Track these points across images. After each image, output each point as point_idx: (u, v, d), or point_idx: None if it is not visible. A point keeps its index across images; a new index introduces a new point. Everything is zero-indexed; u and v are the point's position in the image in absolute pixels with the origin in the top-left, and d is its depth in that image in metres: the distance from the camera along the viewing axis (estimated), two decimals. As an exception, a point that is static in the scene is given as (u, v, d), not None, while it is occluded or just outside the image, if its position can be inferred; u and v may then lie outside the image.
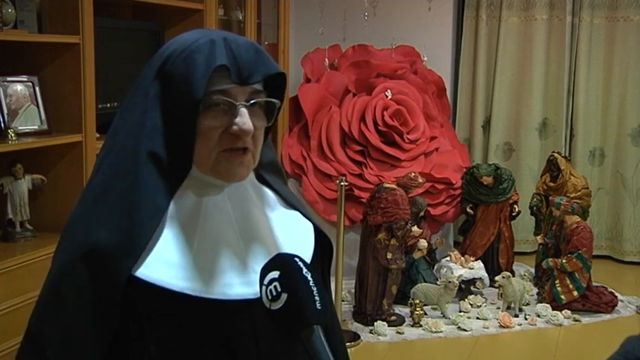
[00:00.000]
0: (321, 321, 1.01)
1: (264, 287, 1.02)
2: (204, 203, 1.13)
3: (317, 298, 1.00)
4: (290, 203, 1.25)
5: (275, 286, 1.01)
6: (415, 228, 4.37)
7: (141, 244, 1.06)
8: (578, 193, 4.81)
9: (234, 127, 1.08)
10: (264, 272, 1.04)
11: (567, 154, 5.40)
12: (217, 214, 1.14)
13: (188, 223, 1.11)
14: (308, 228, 1.25)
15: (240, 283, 1.10)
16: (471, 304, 4.44)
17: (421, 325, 4.16)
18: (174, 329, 1.08)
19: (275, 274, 1.02)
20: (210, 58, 1.07)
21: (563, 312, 4.33)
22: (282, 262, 1.04)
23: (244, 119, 1.08)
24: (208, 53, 1.08)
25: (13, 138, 2.88)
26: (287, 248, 1.18)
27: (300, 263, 1.03)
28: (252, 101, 1.11)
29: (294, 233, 1.22)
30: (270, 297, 1.01)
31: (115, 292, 1.04)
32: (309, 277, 1.01)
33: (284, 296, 1.00)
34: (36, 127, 3.05)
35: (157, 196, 1.08)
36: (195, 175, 1.12)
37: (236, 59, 1.09)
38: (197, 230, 1.11)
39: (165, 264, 1.07)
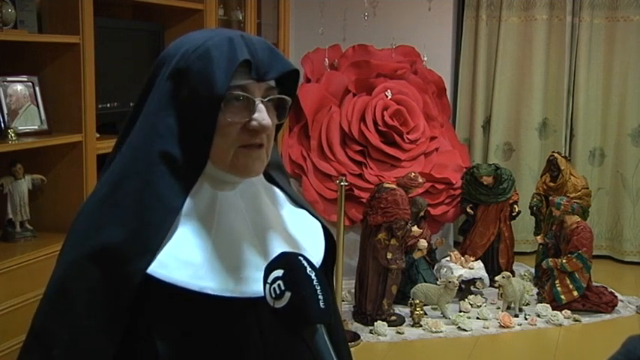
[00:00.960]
0: (324, 320, 1.01)
1: (267, 285, 1.02)
2: (218, 200, 1.13)
3: (320, 297, 1.00)
4: (297, 202, 1.26)
5: (279, 285, 1.01)
6: (415, 228, 4.37)
7: (154, 245, 1.06)
8: (578, 193, 4.81)
9: (254, 123, 1.09)
10: (268, 270, 1.03)
11: (567, 154, 5.40)
12: (231, 211, 1.14)
13: (203, 221, 1.11)
14: (317, 226, 1.25)
15: (256, 280, 1.10)
16: (471, 304, 4.44)
17: (421, 325, 4.16)
18: (185, 327, 1.07)
19: (279, 272, 1.02)
20: (231, 54, 1.07)
21: (563, 312, 4.33)
22: (286, 260, 1.03)
23: (263, 115, 1.09)
24: (228, 49, 1.08)
25: (13, 138, 2.88)
26: (301, 245, 1.18)
27: (304, 262, 1.03)
28: (268, 97, 1.11)
29: (304, 231, 1.22)
30: (273, 295, 1.01)
31: (128, 293, 1.04)
32: (312, 275, 1.01)
33: (287, 295, 1.00)
34: (36, 127, 3.05)
35: (170, 196, 1.08)
36: (210, 172, 1.12)
37: (254, 56, 1.09)
38: (213, 228, 1.11)
39: (182, 263, 1.07)
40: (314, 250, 1.20)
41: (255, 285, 1.10)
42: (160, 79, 1.12)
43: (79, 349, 1.04)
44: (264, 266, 1.06)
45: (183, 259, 1.07)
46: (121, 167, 1.11)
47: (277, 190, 1.24)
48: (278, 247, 1.14)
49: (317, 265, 1.05)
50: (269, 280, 1.02)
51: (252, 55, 1.09)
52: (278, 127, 1.18)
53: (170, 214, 1.07)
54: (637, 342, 1.24)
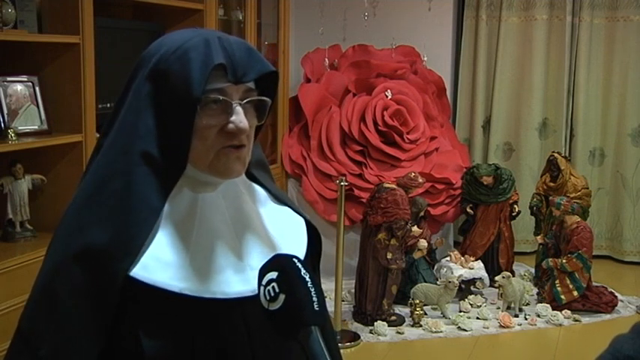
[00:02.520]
0: (318, 322, 1.01)
1: (262, 288, 1.02)
2: (199, 201, 1.13)
3: (315, 299, 1.00)
4: (279, 199, 1.27)
5: (273, 287, 1.01)
6: (415, 228, 4.37)
7: (136, 246, 1.06)
8: (578, 193, 4.81)
9: (231, 126, 1.09)
10: (263, 273, 1.04)
11: (567, 154, 5.40)
12: (212, 212, 1.14)
13: (184, 222, 1.11)
14: (300, 222, 1.26)
15: (237, 281, 1.11)
16: (471, 304, 4.44)
17: (421, 325, 4.16)
18: (169, 328, 1.08)
19: (273, 274, 1.02)
20: (207, 56, 1.07)
21: (563, 312, 4.33)
22: (281, 262, 1.04)
23: (240, 117, 1.09)
24: (204, 52, 1.08)
25: (13, 138, 2.88)
26: (281, 243, 1.19)
27: (298, 264, 1.03)
28: (247, 99, 1.11)
29: (286, 228, 1.23)
30: (268, 298, 1.01)
31: (111, 294, 1.04)
32: (307, 278, 1.01)
33: (282, 297, 1.00)
34: (36, 127, 3.05)
35: (152, 196, 1.08)
36: (191, 174, 1.12)
37: (231, 58, 1.09)
38: (194, 229, 1.12)
39: (163, 264, 1.07)
40: (296, 247, 1.20)
41: (237, 286, 1.10)
42: (140, 79, 1.12)
43: (66, 349, 1.05)
44: (244, 267, 1.07)
45: (164, 261, 1.08)
46: (103, 168, 1.11)
47: (259, 188, 1.25)
48: (259, 247, 1.15)
49: None
50: (263, 283, 1.02)
51: (228, 57, 1.09)
52: (260, 127, 1.18)
53: (152, 214, 1.08)
54: (624, 341, 1.25)
